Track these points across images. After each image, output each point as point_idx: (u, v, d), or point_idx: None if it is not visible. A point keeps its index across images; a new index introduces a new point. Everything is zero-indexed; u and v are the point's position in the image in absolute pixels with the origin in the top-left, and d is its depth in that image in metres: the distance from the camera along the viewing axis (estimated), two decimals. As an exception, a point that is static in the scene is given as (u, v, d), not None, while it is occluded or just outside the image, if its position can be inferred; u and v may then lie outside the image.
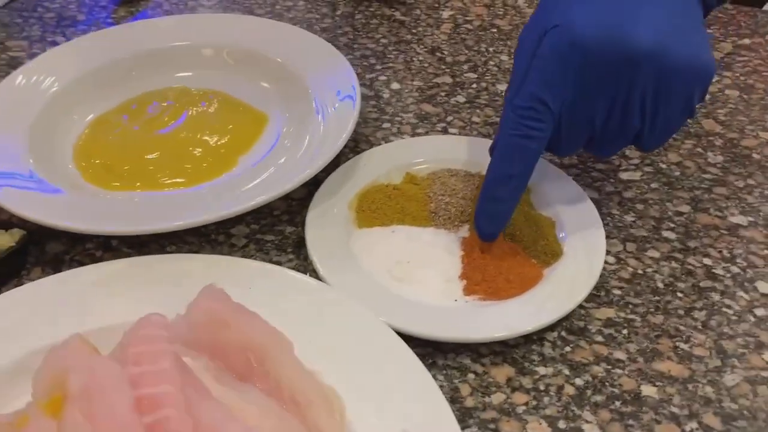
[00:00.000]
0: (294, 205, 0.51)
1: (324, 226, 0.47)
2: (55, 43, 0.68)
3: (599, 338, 0.42)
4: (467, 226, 0.48)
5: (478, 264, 0.44)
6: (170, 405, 0.30)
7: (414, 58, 0.68)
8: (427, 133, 0.58)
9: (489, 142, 0.54)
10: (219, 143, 0.54)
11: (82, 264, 0.47)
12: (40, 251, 0.47)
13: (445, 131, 0.58)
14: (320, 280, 0.43)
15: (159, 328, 0.33)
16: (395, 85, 0.64)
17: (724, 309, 0.44)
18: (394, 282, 0.44)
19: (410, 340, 0.40)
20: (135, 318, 0.39)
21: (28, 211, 0.44)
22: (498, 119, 0.60)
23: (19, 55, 0.67)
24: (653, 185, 0.53)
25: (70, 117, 0.55)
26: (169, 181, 0.51)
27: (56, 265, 0.47)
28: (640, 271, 0.46)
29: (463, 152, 0.53)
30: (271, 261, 0.47)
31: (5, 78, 0.56)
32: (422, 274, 0.44)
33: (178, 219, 0.45)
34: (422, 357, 0.41)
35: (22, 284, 0.45)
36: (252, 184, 0.48)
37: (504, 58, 0.68)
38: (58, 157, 0.52)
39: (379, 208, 0.48)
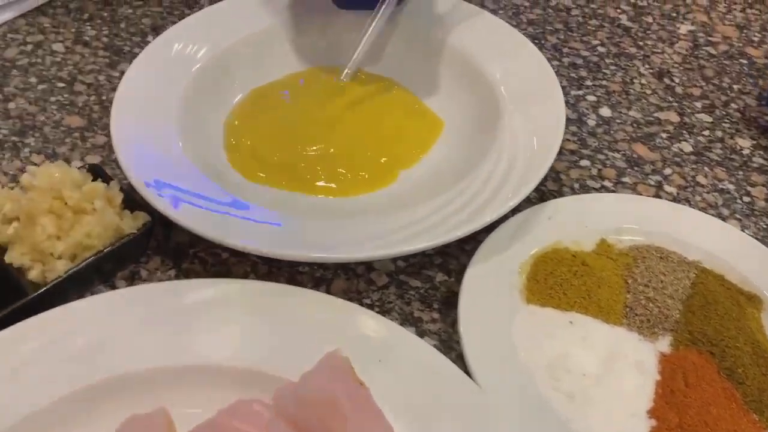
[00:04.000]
0: (451, 246, 0.42)
1: (484, 292, 0.37)
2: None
3: None
4: (669, 338, 0.36)
5: (677, 399, 0.33)
6: None
7: (635, 80, 0.55)
8: (635, 186, 0.46)
9: (718, 223, 0.42)
10: (382, 149, 0.46)
11: (203, 261, 0.41)
12: (164, 236, 0.42)
13: (659, 187, 0.46)
14: (466, 367, 0.34)
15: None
16: (605, 111, 0.52)
17: None
18: (561, 397, 0.34)
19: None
20: (227, 361, 0.33)
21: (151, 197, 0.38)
22: (732, 186, 0.47)
23: None
24: None
25: (226, 88, 0.48)
26: (318, 185, 0.44)
27: (177, 258, 0.41)
28: None
29: (681, 228, 0.41)
30: (411, 315, 0.39)
31: (152, 42, 0.48)
32: (601, 397, 0.34)
33: (318, 250, 0.37)
34: None
35: (138, 270, 0.40)
36: (415, 221, 0.39)
37: (751, 102, 0.53)
38: (208, 133, 0.46)
39: (558, 283, 0.38)
